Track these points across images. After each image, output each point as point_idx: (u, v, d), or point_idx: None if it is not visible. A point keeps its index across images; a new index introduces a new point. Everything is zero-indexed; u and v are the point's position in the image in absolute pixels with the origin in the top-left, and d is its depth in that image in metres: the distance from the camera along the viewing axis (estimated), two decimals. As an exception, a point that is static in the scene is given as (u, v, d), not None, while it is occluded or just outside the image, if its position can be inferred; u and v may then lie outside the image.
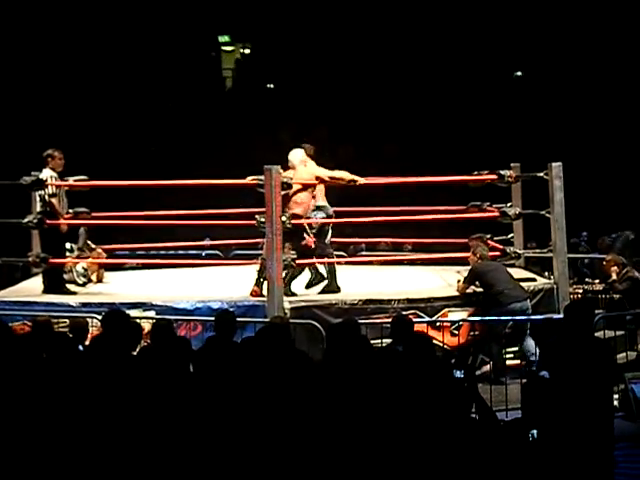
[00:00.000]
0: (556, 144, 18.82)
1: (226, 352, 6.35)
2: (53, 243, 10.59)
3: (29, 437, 5.00)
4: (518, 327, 9.87)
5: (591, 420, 5.53)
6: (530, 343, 9.63)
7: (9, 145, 19.04)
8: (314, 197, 10.40)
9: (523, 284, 10.34)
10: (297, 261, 9.83)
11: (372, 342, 7.00)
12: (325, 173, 10.39)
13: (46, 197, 10.44)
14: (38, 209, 10.66)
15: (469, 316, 9.98)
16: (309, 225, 10.10)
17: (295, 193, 10.08)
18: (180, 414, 5.14)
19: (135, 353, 6.08)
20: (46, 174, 10.51)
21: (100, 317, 7.52)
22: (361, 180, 10.50)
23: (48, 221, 10.44)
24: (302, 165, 10.35)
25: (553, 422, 4.99)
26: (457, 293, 10.31)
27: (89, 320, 8.26)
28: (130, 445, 4.99)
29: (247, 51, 27.93)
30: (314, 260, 10.51)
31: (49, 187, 10.45)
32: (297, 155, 10.39)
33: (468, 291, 10.22)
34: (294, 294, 10.03)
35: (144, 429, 5.04)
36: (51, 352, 5.85)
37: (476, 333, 9.84)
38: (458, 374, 7.25)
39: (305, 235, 10.02)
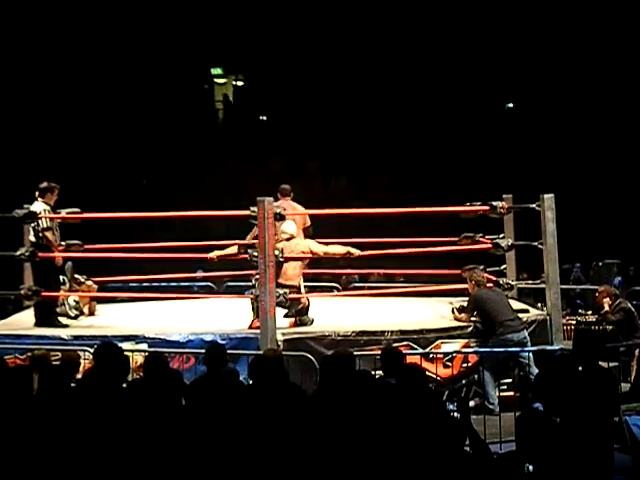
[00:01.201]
0: (548, 175, 18.87)
1: (217, 385, 6.33)
2: (47, 276, 10.56)
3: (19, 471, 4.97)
4: (513, 358, 9.86)
5: (589, 453, 5.50)
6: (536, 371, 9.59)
7: (0, 178, 19.02)
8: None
9: (517, 315, 10.35)
10: (289, 296, 9.82)
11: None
12: (320, 248, 10.44)
13: (39, 231, 10.42)
14: (32, 240, 10.62)
15: (462, 347, 9.96)
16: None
17: (291, 263, 10.15)
18: (172, 447, 5.10)
19: (126, 386, 6.05)
20: (39, 207, 10.49)
21: (92, 350, 7.50)
22: (356, 252, 10.50)
23: (40, 254, 10.43)
24: (298, 237, 10.46)
25: (549, 455, 4.96)
26: (452, 324, 10.30)
27: (81, 353, 8.22)
28: (122, 477, 4.96)
29: (240, 83, 28.01)
30: (307, 294, 10.52)
31: (43, 220, 10.44)
32: (292, 227, 10.47)
33: (463, 323, 10.23)
34: (312, 321, 10.09)
35: (136, 462, 5.01)
36: (42, 386, 5.82)
37: (469, 364, 9.82)
38: (451, 407, 7.24)
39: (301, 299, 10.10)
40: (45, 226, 10.43)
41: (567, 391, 5.98)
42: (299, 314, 10.06)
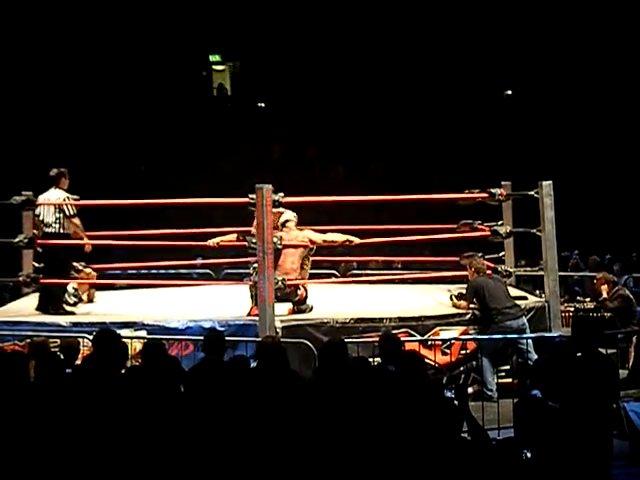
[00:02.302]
0: (547, 162, 18.87)
1: (216, 372, 6.33)
2: (60, 263, 10.57)
3: (16, 458, 4.98)
4: (511, 345, 9.88)
5: (587, 439, 5.51)
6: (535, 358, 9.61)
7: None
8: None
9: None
10: (288, 282, 9.82)
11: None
12: (319, 237, 10.45)
13: (59, 219, 10.39)
14: (52, 227, 10.54)
15: (461, 334, 9.98)
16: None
17: (288, 256, 10.14)
18: (170, 434, 5.11)
19: (124, 372, 6.06)
20: (60, 194, 10.47)
21: (91, 337, 7.51)
22: (355, 240, 10.50)
23: (39, 241, 10.45)
24: (296, 228, 10.46)
25: (547, 441, 4.97)
26: (451, 311, 10.33)
27: (80, 340, 8.23)
28: (120, 466, 4.96)
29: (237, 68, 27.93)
30: (305, 281, 10.52)
31: (67, 208, 10.42)
32: (291, 217, 10.48)
33: (462, 310, 10.25)
34: (311, 308, 10.12)
35: (134, 450, 5.01)
36: (39, 373, 5.83)
37: (467, 351, 9.84)
38: (449, 393, 7.24)
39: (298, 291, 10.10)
40: (72, 213, 10.42)
41: (565, 378, 5.99)
42: (297, 304, 10.07)
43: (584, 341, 6.25)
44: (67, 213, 10.40)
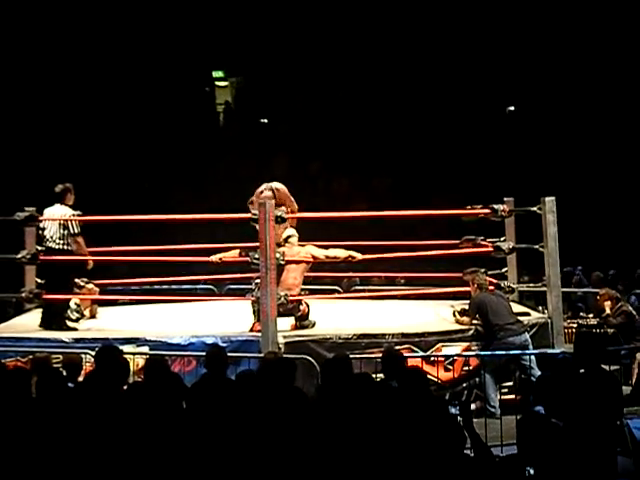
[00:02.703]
0: (549, 178, 18.87)
1: (219, 388, 6.33)
2: (62, 280, 10.57)
3: (17, 474, 4.96)
4: (514, 361, 9.86)
5: (591, 456, 5.49)
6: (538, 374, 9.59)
7: (2, 181, 19.02)
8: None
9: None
10: (290, 297, 9.82)
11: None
12: (321, 253, 10.46)
13: (65, 236, 10.40)
14: (56, 242, 10.54)
15: (464, 351, 9.96)
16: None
17: (290, 272, 10.15)
18: (172, 450, 5.10)
19: (127, 389, 6.05)
20: (66, 211, 10.48)
21: (93, 353, 7.50)
22: (358, 256, 10.51)
23: (42, 257, 10.46)
24: (298, 244, 10.49)
25: (550, 458, 4.95)
26: (453, 327, 10.31)
27: (82, 356, 8.23)
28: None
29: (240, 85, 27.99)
30: (308, 296, 10.53)
31: (72, 225, 10.42)
32: (294, 232, 10.50)
33: (464, 326, 10.23)
34: (314, 324, 10.10)
35: (136, 466, 5.00)
36: (40, 389, 5.81)
37: (470, 368, 9.82)
38: (453, 410, 7.22)
39: (300, 306, 10.09)
40: (77, 231, 10.42)
41: (569, 394, 5.98)
42: (299, 320, 10.06)
43: (587, 357, 6.24)
44: (71, 231, 10.41)
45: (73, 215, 10.46)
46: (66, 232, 10.40)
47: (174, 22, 23.94)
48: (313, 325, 10.12)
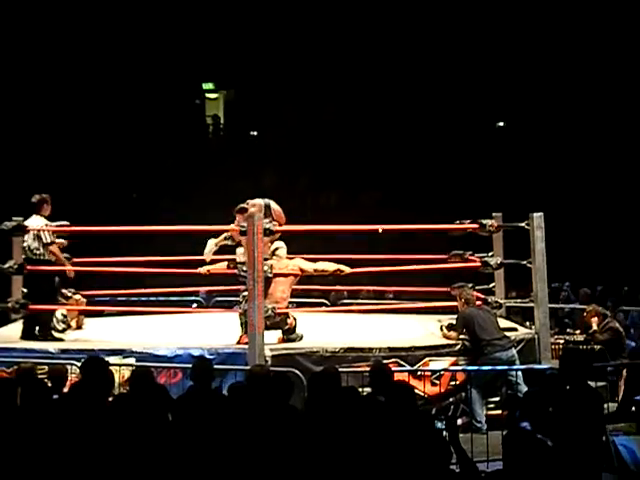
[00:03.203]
0: (538, 194, 18.92)
1: (204, 401, 6.30)
2: (44, 290, 10.53)
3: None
4: (501, 377, 9.86)
5: (576, 472, 5.49)
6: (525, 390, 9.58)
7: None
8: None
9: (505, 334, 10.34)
10: (278, 310, 9.80)
11: (353, 391, 6.99)
12: (310, 266, 10.45)
13: (37, 246, 10.38)
14: (28, 255, 10.53)
15: (451, 366, 9.95)
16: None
17: (278, 285, 10.13)
18: (157, 462, 5.07)
19: (112, 400, 6.03)
20: (39, 222, 10.46)
21: (79, 364, 7.47)
22: (346, 269, 10.51)
23: (29, 267, 10.42)
24: (286, 258, 10.49)
25: (536, 474, 4.94)
26: (441, 342, 10.30)
27: (68, 367, 8.19)
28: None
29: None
30: (296, 309, 10.51)
31: (45, 235, 10.39)
32: (282, 245, 10.49)
33: (452, 341, 10.23)
34: (301, 337, 10.06)
35: (122, 477, 4.98)
36: (25, 400, 5.78)
37: (457, 382, 9.81)
38: (440, 425, 7.21)
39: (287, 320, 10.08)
40: (49, 241, 10.40)
41: (555, 410, 5.98)
42: (286, 333, 10.04)
43: (572, 374, 6.24)
44: (44, 241, 10.38)
45: (47, 226, 10.43)
46: (39, 243, 10.38)
47: (165, 35, 23.95)
48: (300, 338, 10.10)
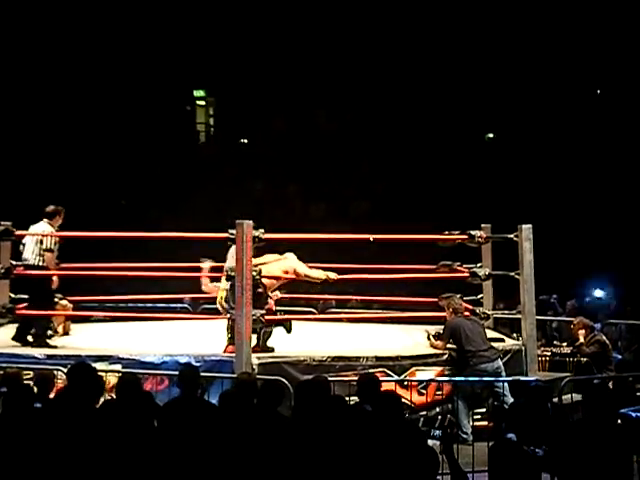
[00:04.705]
0: (527, 206, 18.95)
1: (190, 408, 6.29)
2: (43, 295, 10.52)
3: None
4: (487, 388, 9.87)
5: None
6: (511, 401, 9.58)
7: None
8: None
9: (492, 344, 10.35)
10: (266, 317, 9.78)
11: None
12: (303, 271, 10.45)
13: (39, 250, 10.39)
14: (28, 260, 10.52)
15: (437, 375, 9.96)
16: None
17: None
18: (144, 469, 5.06)
19: (99, 406, 6.01)
20: (44, 228, 10.50)
21: (66, 370, 7.44)
22: (334, 276, 10.53)
23: (17, 271, 10.41)
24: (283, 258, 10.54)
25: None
26: (428, 351, 10.31)
27: (55, 372, 8.16)
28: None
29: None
30: (284, 317, 10.50)
31: (47, 240, 10.40)
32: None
33: (439, 351, 10.24)
34: (272, 349, 9.99)
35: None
36: (8, 405, 5.76)
37: (443, 392, 9.81)
38: (437, 433, 7.20)
39: (269, 300, 10.07)
40: (48, 247, 10.41)
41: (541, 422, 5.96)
42: (263, 337, 9.97)
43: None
44: (44, 246, 10.38)
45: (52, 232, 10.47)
46: (40, 247, 10.38)
47: (156, 41, 23.93)
48: (272, 350, 10.02)
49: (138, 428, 5.42)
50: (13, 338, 10.37)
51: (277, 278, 10.31)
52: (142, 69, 23.69)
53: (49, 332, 10.89)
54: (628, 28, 21.93)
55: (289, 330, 10.08)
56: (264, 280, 9.95)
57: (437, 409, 9.85)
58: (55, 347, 10.36)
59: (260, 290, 9.79)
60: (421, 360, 10.06)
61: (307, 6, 23.84)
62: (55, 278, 10.82)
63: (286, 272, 10.41)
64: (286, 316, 10.69)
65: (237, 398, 6.19)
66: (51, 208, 10.72)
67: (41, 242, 10.43)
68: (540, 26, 22.96)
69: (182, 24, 23.98)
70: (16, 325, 10.70)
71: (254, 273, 9.53)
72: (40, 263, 10.44)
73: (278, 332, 10.16)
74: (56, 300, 11.20)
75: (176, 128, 25.09)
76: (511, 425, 6.24)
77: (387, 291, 13.21)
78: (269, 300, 10.10)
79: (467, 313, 10.89)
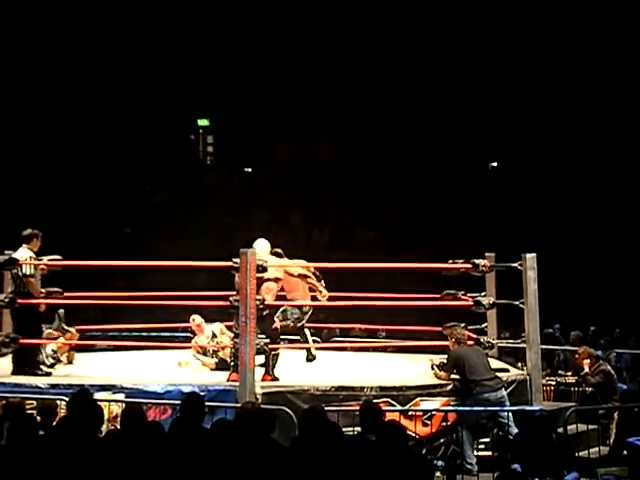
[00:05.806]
0: (531, 235, 18.95)
1: (194, 437, 6.25)
2: (27, 323, 10.47)
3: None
4: (492, 418, 9.81)
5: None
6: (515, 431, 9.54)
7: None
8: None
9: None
10: (270, 345, 9.76)
11: (344, 429, 6.95)
12: (297, 270, 10.48)
13: (20, 277, 10.36)
14: (11, 288, 10.55)
15: (442, 406, 9.91)
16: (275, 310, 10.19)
17: (266, 281, 10.12)
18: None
19: (101, 437, 5.98)
20: (24, 254, 10.45)
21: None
22: (325, 294, 10.67)
23: (19, 300, 10.36)
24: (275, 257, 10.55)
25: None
26: (433, 382, 10.26)
27: (58, 402, 8.13)
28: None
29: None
30: (287, 346, 10.48)
31: (25, 267, 10.38)
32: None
33: (443, 381, 10.19)
34: (277, 379, 9.96)
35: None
36: (13, 435, 5.73)
37: (448, 423, 9.75)
38: (440, 464, 7.17)
39: (275, 319, 10.06)
40: (28, 273, 10.37)
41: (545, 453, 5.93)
42: (272, 361, 9.95)
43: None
44: (23, 272, 10.35)
45: (31, 258, 10.42)
46: (19, 273, 10.35)
47: (162, 70, 24.06)
48: (276, 379, 10.00)
49: (142, 459, 5.39)
50: (13, 372, 10.33)
51: (277, 280, 10.29)
52: (146, 98, 23.79)
53: (51, 361, 10.86)
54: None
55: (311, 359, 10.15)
56: (267, 296, 9.95)
57: (441, 440, 9.79)
58: (49, 375, 10.32)
59: (266, 312, 9.79)
60: (425, 390, 9.99)
61: (309, 36, 23.97)
62: (42, 305, 10.73)
63: (307, 268, 10.72)
64: (290, 345, 10.66)
65: (230, 427, 6.16)
66: (28, 232, 10.62)
67: (20, 267, 10.40)
68: (545, 58, 23.04)
69: (186, 53, 24.11)
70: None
71: (257, 302, 9.51)
72: (21, 289, 10.39)
73: (284, 360, 10.15)
74: (65, 328, 11.17)
75: (180, 157, 25.18)
76: (516, 456, 6.22)
77: (391, 320, 13.17)
78: (275, 319, 10.10)
79: (470, 342, 10.84)
